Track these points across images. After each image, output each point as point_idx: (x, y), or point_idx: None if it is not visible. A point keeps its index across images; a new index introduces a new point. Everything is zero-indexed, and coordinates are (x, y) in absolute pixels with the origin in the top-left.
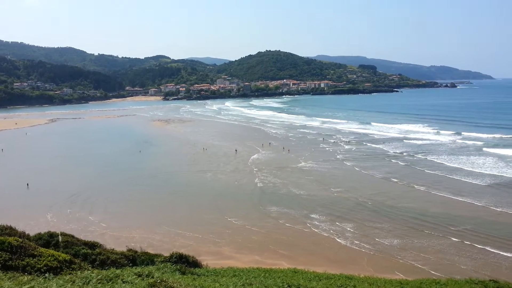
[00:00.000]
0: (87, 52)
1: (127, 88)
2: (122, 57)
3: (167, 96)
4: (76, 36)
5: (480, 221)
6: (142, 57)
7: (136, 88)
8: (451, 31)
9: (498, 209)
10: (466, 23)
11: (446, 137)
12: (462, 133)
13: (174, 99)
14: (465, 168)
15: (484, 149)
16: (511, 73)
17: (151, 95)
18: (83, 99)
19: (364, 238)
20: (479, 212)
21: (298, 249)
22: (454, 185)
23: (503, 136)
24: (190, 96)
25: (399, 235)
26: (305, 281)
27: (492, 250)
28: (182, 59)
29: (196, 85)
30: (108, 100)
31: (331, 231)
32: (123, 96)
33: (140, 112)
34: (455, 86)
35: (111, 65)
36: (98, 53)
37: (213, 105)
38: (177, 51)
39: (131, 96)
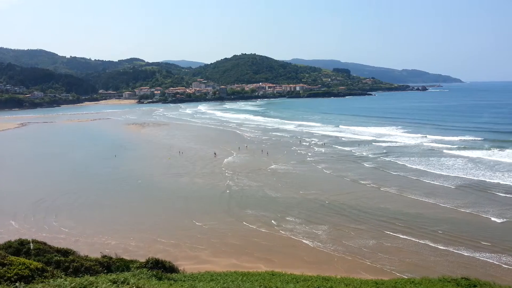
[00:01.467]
0: (59, 54)
1: (101, 91)
2: (95, 60)
3: (141, 99)
4: (47, 38)
5: (450, 222)
6: (116, 59)
7: (109, 91)
8: (422, 37)
9: (467, 210)
10: (437, 29)
11: (417, 139)
12: (433, 136)
13: (149, 102)
14: (434, 171)
15: (453, 151)
16: (479, 77)
17: (125, 98)
18: (55, 103)
19: (337, 240)
20: (448, 213)
21: (275, 252)
22: (423, 187)
23: (472, 138)
24: (165, 99)
25: (372, 236)
26: (282, 284)
27: (461, 250)
28: (157, 62)
29: (171, 88)
30: (80, 104)
31: (306, 233)
32: (97, 100)
33: (114, 115)
34: (426, 89)
35: (83, 68)
36: (70, 56)
37: (186, 109)
38: (152, 54)
39: (105, 99)
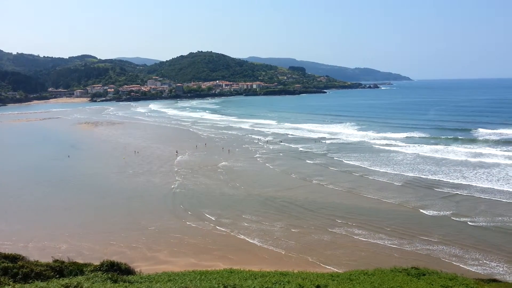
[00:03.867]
0: (4, 51)
1: (50, 89)
2: (44, 57)
3: (94, 97)
4: None
5: (397, 217)
6: (66, 56)
7: (60, 90)
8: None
9: (410, 206)
10: (388, 30)
11: (367, 136)
12: (382, 133)
13: (102, 100)
14: (380, 169)
15: (401, 148)
16: (426, 75)
17: (77, 96)
18: (0, 102)
19: (293, 236)
20: (396, 209)
21: (233, 249)
22: (372, 184)
23: (419, 135)
24: (119, 97)
25: (325, 231)
26: (240, 281)
27: (411, 243)
28: (110, 59)
29: (126, 86)
30: (29, 102)
31: (262, 231)
32: (46, 98)
33: (65, 114)
34: (378, 87)
35: (31, 65)
36: (17, 52)
37: (138, 107)
38: (105, 51)
39: (55, 97)
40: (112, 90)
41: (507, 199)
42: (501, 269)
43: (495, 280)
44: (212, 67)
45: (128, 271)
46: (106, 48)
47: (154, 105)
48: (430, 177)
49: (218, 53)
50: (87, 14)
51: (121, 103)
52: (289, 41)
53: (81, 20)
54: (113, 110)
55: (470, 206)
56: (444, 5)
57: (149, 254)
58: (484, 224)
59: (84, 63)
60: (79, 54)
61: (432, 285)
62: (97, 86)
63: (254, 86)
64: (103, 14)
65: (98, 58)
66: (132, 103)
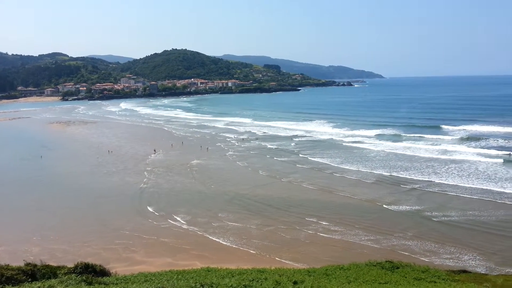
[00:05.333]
0: None
1: (19, 88)
2: (13, 54)
3: (65, 96)
4: None
5: (370, 213)
6: (36, 54)
7: (30, 88)
8: (348, 35)
9: (382, 202)
10: (361, 28)
11: (340, 134)
12: (355, 130)
13: (74, 99)
14: (351, 168)
15: (373, 147)
16: (398, 72)
17: (48, 95)
18: None
19: (269, 233)
20: (368, 206)
21: (210, 248)
22: (344, 181)
23: (391, 132)
24: (92, 96)
25: (301, 228)
26: (218, 279)
27: (385, 239)
28: (82, 57)
29: (98, 84)
30: None
31: (237, 229)
32: (15, 97)
33: (35, 114)
34: (351, 85)
35: None
36: None
37: (108, 106)
38: (76, 48)
39: (24, 96)
40: (85, 88)
41: (477, 195)
42: (473, 262)
43: (465, 271)
44: (187, 65)
45: (103, 272)
46: (77, 46)
47: (127, 104)
48: (401, 173)
49: (192, 51)
50: (57, 10)
51: (91, 102)
52: (264, 39)
53: (50, 16)
54: (83, 109)
55: (441, 202)
56: (418, 4)
57: (124, 255)
58: (455, 219)
59: (55, 61)
60: (50, 52)
61: (406, 277)
62: (69, 85)
63: (230, 84)
64: (73, 10)
65: (70, 56)
66: (103, 102)
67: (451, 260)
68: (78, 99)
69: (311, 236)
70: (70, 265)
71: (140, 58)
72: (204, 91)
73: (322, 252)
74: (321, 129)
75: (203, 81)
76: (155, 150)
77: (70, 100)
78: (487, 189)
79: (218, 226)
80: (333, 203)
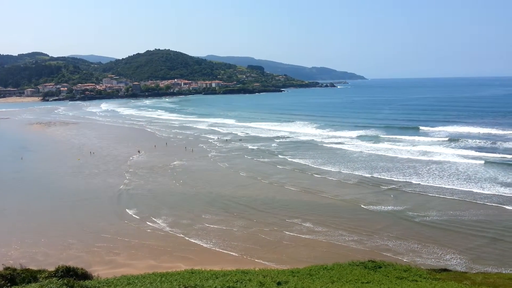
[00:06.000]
0: None
1: None
2: None
3: (46, 96)
4: None
5: (352, 214)
6: (15, 54)
7: (9, 88)
8: (330, 37)
9: (363, 203)
10: (344, 29)
11: (323, 135)
12: (340, 131)
13: (55, 99)
14: (332, 169)
15: (354, 148)
16: (380, 74)
17: (28, 95)
18: None
19: (253, 234)
20: (349, 206)
21: (194, 250)
22: (323, 182)
23: (373, 133)
24: (73, 96)
25: (285, 229)
26: (202, 281)
27: (369, 239)
28: (62, 57)
29: (80, 84)
30: None
31: (221, 231)
32: None
33: (14, 114)
34: (334, 86)
35: None
36: None
37: (89, 107)
38: (57, 48)
39: (4, 97)
40: (66, 89)
41: (457, 195)
42: (453, 261)
43: (446, 270)
44: (170, 65)
45: (85, 276)
46: (58, 46)
47: (108, 105)
48: (383, 174)
49: (176, 51)
50: (37, 9)
51: (72, 102)
52: (248, 40)
53: (30, 15)
54: (63, 110)
55: (422, 202)
56: (400, 6)
57: (107, 257)
58: (436, 219)
59: (35, 61)
60: (29, 52)
61: (388, 277)
62: (49, 85)
63: (213, 85)
64: (54, 9)
65: (50, 55)
66: (84, 103)
67: (432, 260)
68: (59, 99)
69: (294, 237)
70: (51, 268)
71: (123, 58)
72: (187, 92)
73: (305, 253)
74: (304, 130)
75: (186, 81)
76: (139, 151)
77: (51, 101)
78: (466, 190)
79: (200, 228)
80: (315, 204)
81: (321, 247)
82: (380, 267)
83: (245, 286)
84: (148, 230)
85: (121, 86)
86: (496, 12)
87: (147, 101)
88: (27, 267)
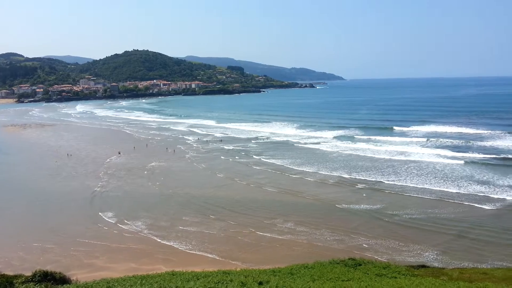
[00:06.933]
0: None
1: None
2: None
3: (21, 98)
4: None
5: (331, 214)
6: None
7: None
8: (309, 37)
9: (342, 202)
10: (322, 30)
11: (301, 136)
12: (320, 131)
13: (31, 101)
14: (312, 168)
15: (334, 149)
16: (358, 75)
17: (2, 97)
18: None
19: (233, 234)
20: (328, 207)
21: (174, 251)
22: (302, 182)
23: (351, 133)
24: (49, 98)
25: (264, 229)
26: (183, 283)
27: (345, 238)
28: (38, 57)
29: (56, 85)
30: None
31: (201, 234)
32: None
33: None
34: (313, 86)
35: None
36: None
37: (64, 108)
38: (32, 49)
39: None
40: (42, 90)
41: (434, 194)
42: (431, 257)
43: (424, 266)
44: (149, 66)
45: (63, 280)
46: (33, 46)
47: (84, 106)
48: (362, 173)
49: (155, 52)
50: (11, 9)
51: (46, 104)
52: (227, 41)
53: (4, 15)
54: (38, 111)
55: (401, 201)
56: (378, 7)
57: (85, 261)
58: (416, 217)
59: (9, 62)
60: (4, 52)
61: (368, 274)
62: (25, 86)
63: (193, 86)
64: (28, 9)
65: (25, 56)
66: (60, 104)
67: (411, 257)
68: (35, 101)
69: (274, 238)
70: (28, 273)
71: (100, 59)
72: (167, 93)
73: (286, 253)
74: (283, 131)
75: (166, 82)
76: (119, 152)
77: (26, 102)
78: (444, 189)
79: (180, 230)
80: (295, 204)
81: (301, 246)
82: (360, 265)
83: (226, 286)
84: (128, 233)
85: (98, 87)
86: (473, 14)
87: (125, 102)
88: (3, 272)
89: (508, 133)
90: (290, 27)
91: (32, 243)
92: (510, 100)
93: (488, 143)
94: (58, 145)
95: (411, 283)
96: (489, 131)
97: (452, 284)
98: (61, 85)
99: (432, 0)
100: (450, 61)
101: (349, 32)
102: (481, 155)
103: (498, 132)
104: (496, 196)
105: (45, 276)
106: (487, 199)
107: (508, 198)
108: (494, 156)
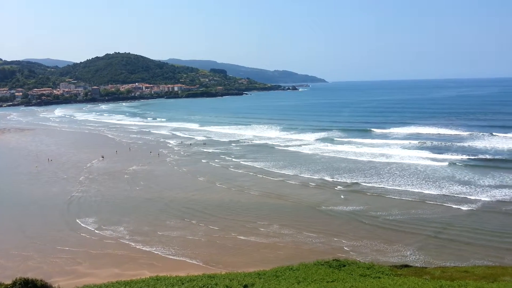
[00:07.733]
0: None
1: None
2: None
3: None
4: None
5: (315, 216)
6: None
7: None
8: (291, 40)
9: (324, 205)
10: (303, 33)
11: (284, 138)
12: (303, 134)
13: (9, 105)
14: (294, 170)
15: (314, 151)
16: (340, 77)
17: None
18: None
19: (216, 238)
20: (311, 209)
21: (158, 256)
22: (284, 185)
23: (333, 135)
24: (29, 101)
25: (247, 233)
26: (167, 287)
27: (333, 240)
28: (17, 61)
29: (36, 89)
30: None
31: (184, 240)
32: None
33: None
34: (296, 89)
35: None
36: None
37: (43, 112)
38: (10, 52)
39: None
40: (21, 94)
41: (417, 196)
42: (414, 257)
43: (407, 266)
44: (131, 69)
45: (45, 287)
46: (11, 49)
47: (65, 110)
48: (344, 175)
49: (136, 55)
50: None
51: (24, 108)
52: (209, 43)
53: None
54: (16, 116)
55: (384, 202)
56: (361, 9)
57: (67, 267)
58: (399, 218)
59: None
60: None
61: (352, 274)
62: (3, 90)
63: (176, 89)
64: (6, 10)
65: (3, 59)
66: (39, 108)
67: (394, 257)
68: (14, 105)
69: (258, 241)
70: (8, 281)
71: (81, 62)
72: (149, 96)
73: (271, 255)
74: (266, 134)
75: (148, 85)
76: (103, 157)
77: (5, 107)
78: (426, 191)
79: (164, 235)
80: (278, 207)
81: (286, 248)
82: (344, 266)
83: None
84: (110, 238)
85: (79, 90)
86: (457, 15)
87: (104, 106)
88: None
89: (486, 133)
90: (273, 29)
91: (12, 250)
92: (487, 101)
93: (466, 144)
94: (38, 149)
95: (395, 283)
96: (468, 132)
97: (435, 283)
98: (41, 89)
99: (413, 0)
100: (433, 63)
101: (330, 35)
102: (461, 156)
103: (476, 132)
104: (473, 197)
105: (26, 284)
106: (465, 200)
107: (485, 199)
108: (473, 157)
